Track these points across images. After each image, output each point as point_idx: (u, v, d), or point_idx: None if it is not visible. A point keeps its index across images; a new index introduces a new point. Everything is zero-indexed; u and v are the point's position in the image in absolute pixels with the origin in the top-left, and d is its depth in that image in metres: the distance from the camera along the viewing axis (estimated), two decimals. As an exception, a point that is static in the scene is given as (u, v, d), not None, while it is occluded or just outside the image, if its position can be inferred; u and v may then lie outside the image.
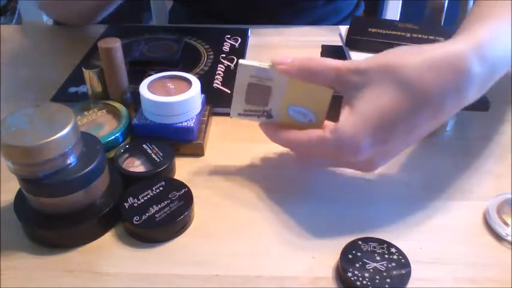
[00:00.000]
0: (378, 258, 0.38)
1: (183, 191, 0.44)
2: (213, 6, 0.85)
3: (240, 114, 0.45)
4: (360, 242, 0.39)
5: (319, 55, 0.63)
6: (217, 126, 0.55)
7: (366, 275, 0.37)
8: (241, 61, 0.43)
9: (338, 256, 0.38)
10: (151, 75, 0.53)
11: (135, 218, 0.41)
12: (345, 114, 0.40)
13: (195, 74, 0.64)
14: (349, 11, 0.90)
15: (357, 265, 0.37)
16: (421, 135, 0.40)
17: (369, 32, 0.58)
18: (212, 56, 0.69)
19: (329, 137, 0.39)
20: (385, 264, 0.37)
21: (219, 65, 0.66)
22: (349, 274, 0.37)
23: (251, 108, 0.44)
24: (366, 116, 0.38)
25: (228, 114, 0.57)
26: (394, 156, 0.42)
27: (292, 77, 0.42)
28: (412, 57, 0.38)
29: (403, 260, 0.38)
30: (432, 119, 0.39)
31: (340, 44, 0.62)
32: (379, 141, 0.39)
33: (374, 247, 0.39)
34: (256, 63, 0.43)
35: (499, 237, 0.41)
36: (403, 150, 0.41)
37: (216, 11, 0.85)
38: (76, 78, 0.63)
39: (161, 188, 0.44)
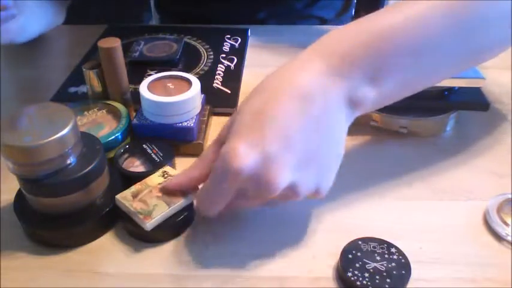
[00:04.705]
0: (378, 258, 0.38)
1: (183, 191, 0.44)
2: (211, 15, 0.85)
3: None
4: (360, 242, 0.39)
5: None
6: (217, 126, 0.55)
7: (366, 275, 0.37)
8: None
9: (338, 256, 0.38)
10: (151, 75, 0.53)
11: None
12: None
13: (195, 74, 0.64)
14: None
15: (357, 265, 0.37)
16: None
17: (369, 32, 0.58)
18: (212, 56, 0.69)
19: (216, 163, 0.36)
20: (385, 264, 0.37)
21: (219, 65, 0.66)
22: (349, 274, 0.37)
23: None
24: (233, 129, 0.37)
25: (228, 114, 0.57)
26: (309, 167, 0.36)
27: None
28: None
29: (403, 260, 0.38)
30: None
31: (340, 44, 0.62)
32: (256, 143, 0.35)
33: (374, 247, 0.39)
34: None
35: (499, 237, 0.41)
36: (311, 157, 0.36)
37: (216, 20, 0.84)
38: (76, 78, 0.63)
39: (161, 188, 0.44)
